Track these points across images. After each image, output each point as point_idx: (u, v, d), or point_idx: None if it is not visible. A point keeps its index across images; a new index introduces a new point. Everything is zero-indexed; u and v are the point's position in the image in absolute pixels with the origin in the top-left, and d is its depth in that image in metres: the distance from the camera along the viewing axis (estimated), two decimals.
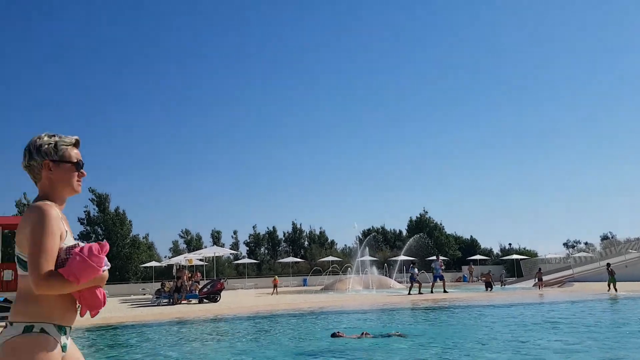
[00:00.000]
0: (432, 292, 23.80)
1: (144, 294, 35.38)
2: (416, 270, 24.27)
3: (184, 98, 70.89)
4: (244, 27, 71.23)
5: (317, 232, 59.01)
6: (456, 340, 9.48)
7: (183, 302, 22.34)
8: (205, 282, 24.05)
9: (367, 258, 36.49)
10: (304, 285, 40.49)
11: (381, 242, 48.44)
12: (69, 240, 2.26)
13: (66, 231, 2.29)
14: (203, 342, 10.96)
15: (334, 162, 74.54)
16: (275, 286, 31.38)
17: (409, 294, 23.34)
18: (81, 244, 2.24)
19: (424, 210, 59.96)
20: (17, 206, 45.30)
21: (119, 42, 67.06)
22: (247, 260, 48.42)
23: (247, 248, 56.50)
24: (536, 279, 29.57)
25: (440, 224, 59.06)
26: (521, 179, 75.22)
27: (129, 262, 47.01)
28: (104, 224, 47.61)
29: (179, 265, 27.45)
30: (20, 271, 2.20)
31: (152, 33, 69.13)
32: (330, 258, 44.16)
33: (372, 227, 59.34)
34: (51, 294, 2.11)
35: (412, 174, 75.81)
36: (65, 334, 2.22)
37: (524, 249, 56.67)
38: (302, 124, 74.09)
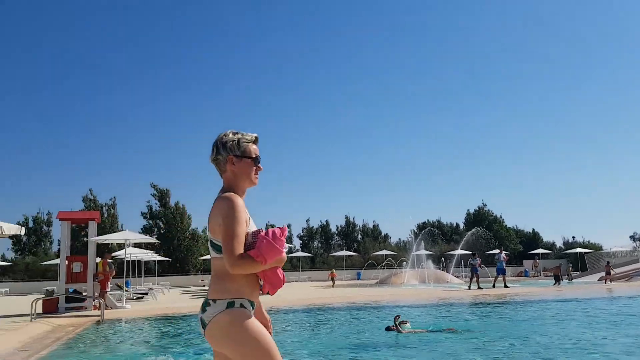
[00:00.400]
0: (494, 286, 23.07)
1: (203, 285, 36.46)
2: (478, 260, 23.43)
3: (241, 97, 72.26)
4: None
5: (371, 226, 58.77)
6: (516, 336, 9.15)
7: None
8: None
9: (423, 252, 35.90)
10: (358, 279, 40.43)
11: (437, 235, 47.54)
12: (252, 226, 2.54)
13: (249, 218, 2.56)
14: None
15: (387, 155, 73.87)
16: (333, 279, 31.64)
17: (469, 288, 22.72)
18: (262, 230, 2.50)
19: (483, 203, 58.40)
20: (83, 201, 47.74)
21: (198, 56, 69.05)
22: (300, 254, 48.86)
23: (301, 242, 57.12)
24: (605, 273, 28.27)
25: (500, 217, 57.41)
26: (584, 170, 71.80)
27: (189, 254, 48.56)
28: (165, 218, 49.35)
29: None
30: (214, 254, 2.49)
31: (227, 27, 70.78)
32: (384, 252, 43.81)
33: (428, 220, 58.47)
34: (243, 273, 2.39)
35: (469, 165, 73.95)
36: (253, 308, 2.50)
37: (588, 242, 54.22)
38: (354, 117, 73.85)
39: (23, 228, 13.82)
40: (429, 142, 74.06)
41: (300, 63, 73.45)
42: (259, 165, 2.66)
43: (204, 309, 2.45)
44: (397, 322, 9.53)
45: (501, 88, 73.98)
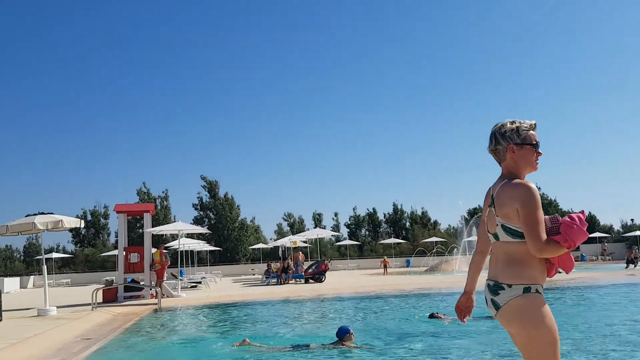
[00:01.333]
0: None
1: (253, 274, 37.08)
2: None
3: (286, 89, 72.61)
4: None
5: (419, 213, 58.00)
6: (573, 323, 8.79)
7: (290, 282, 23.06)
8: (310, 263, 24.61)
9: (475, 238, 34.98)
10: (407, 267, 40.05)
11: None
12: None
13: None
14: (308, 319, 11.17)
15: (434, 139, 72.47)
16: (385, 267, 31.55)
17: None
18: (557, 215, 2.59)
19: (537, 187, 56.52)
20: (137, 194, 49.45)
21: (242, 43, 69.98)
22: (348, 242, 48.83)
23: (348, 230, 57.05)
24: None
25: (555, 200, 55.42)
26: None
27: (239, 244, 49.52)
28: (215, 209, 50.45)
29: (293, 248, 28.46)
30: (508, 238, 2.55)
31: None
32: (434, 239, 43.13)
33: (479, 206, 57.04)
34: (548, 257, 2.50)
35: None
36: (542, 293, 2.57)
37: None
38: (399, 102, 72.77)
39: (82, 221, 14.41)
40: (477, 124, 72.14)
41: (356, 44, 72.94)
42: (539, 150, 2.75)
43: (495, 292, 2.55)
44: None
45: (551, 62, 71.02)
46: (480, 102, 72.64)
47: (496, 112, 72.10)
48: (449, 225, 59.33)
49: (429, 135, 71.94)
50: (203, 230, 23.94)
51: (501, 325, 2.61)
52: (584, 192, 71.89)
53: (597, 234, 48.14)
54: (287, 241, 31.97)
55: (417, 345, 7.46)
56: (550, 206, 53.72)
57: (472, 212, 52.93)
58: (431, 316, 9.66)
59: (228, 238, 49.10)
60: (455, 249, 32.45)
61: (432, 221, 57.60)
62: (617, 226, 56.86)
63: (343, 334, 7.29)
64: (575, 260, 21.94)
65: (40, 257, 16.71)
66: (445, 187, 71.94)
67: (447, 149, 72.88)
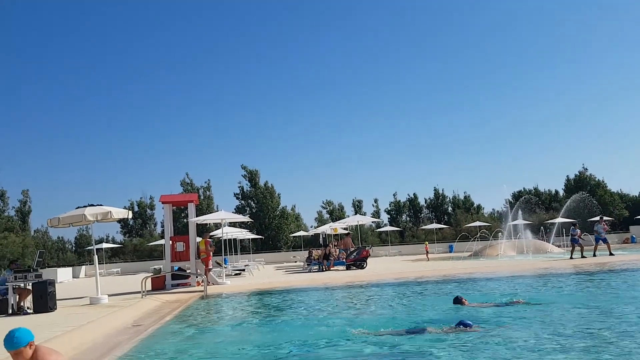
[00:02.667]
0: (594, 255, 21.62)
1: (295, 262, 37.40)
2: (578, 230, 22.06)
3: (325, 77, 72.37)
4: None
5: (461, 197, 56.92)
6: (593, 308, 8.46)
7: (332, 268, 23.10)
8: (351, 249, 24.57)
9: (520, 222, 34.14)
10: (450, 252, 39.47)
11: (535, 204, 44.96)
12: None
13: None
14: (341, 306, 11.14)
15: (475, 121, 70.80)
16: (427, 252, 31.25)
17: (572, 257, 21.50)
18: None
19: (584, 167, 54.31)
20: (181, 185, 50.56)
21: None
22: (389, 228, 48.52)
23: (389, 216, 56.63)
24: None
25: (603, 181, 53.29)
26: None
27: (280, 232, 50.01)
28: (256, 197, 51.06)
29: (341, 235, 28.52)
30: None
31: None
32: (478, 223, 42.26)
33: (524, 188, 55.49)
34: None
35: (567, 128, 69.16)
36: None
37: None
38: (440, 85, 71.30)
39: (130, 212, 14.81)
40: (520, 105, 69.99)
41: (392, 29, 71.92)
42: None
43: None
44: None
45: (598, 42, 67.84)
46: (525, 84, 70.38)
47: (542, 91, 69.77)
48: (492, 209, 58.11)
49: (469, 119, 70.36)
50: (245, 218, 24.20)
51: None
52: (634, 172, 68.93)
53: None
54: (327, 228, 32.02)
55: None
56: (598, 187, 51.73)
57: (517, 196, 51.55)
58: (456, 301, 9.34)
59: (269, 226, 49.65)
60: (500, 233, 31.70)
61: (475, 205, 56.48)
62: None
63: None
64: (624, 243, 21.09)
65: (91, 247, 17.34)
66: (489, 170, 70.40)
67: (490, 131, 71.14)
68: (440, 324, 7.50)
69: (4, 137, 64.18)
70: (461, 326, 7.03)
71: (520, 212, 35.06)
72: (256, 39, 70.94)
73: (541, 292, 12.07)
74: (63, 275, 33.06)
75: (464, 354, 5.84)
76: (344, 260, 23.54)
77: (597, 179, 53.37)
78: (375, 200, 56.85)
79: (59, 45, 65.63)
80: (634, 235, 40.91)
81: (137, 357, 6.73)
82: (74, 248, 55.28)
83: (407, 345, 6.45)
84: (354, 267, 22.89)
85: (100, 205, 13.94)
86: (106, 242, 49.05)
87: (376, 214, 55.35)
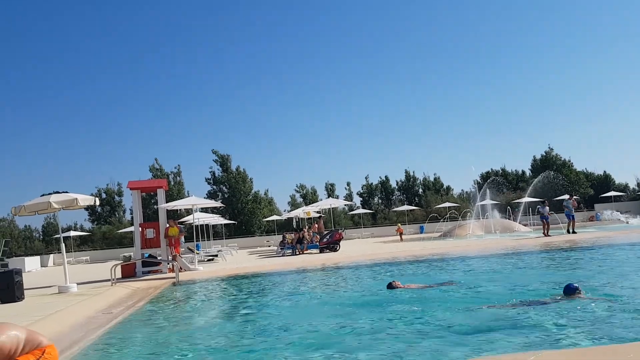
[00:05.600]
0: (569, 232, 22.19)
1: (269, 246, 37.44)
2: (547, 208, 22.56)
3: (296, 58, 71.71)
4: None
5: (432, 179, 57.73)
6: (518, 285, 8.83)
7: (305, 252, 23.22)
8: (325, 233, 24.72)
9: (488, 202, 34.91)
10: (421, 233, 40.13)
11: (502, 184, 45.99)
12: None
13: None
14: (312, 288, 11.25)
15: (442, 104, 71.52)
16: (400, 234, 31.66)
17: (547, 234, 21.86)
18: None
19: (549, 147, 55.71)
20: (150, 171, 49.75)
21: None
22: (361, 211, 48.90)
23: (361, 199, 57.06)
24: None
25: (569, 161, 54.78)
26: None
27: (253, 216, 49.87)
28: (228, 182, 50.68)
29: (314, 218, 28.59)
30: None
31: None
32: (447, 204, 43.02)
33: (492, 169, 56.62)
34: None
35: (532, 109, 70.49)
36: None
37: None
38: (409, 68, 71.61)
39: (97, 199, 14.52)
40: (486, 87, 70.95)
41: (364, 11, 71.52)
42: None
43: None
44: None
45: (562, 24, 69.14)
46: (491, 65, 71.29)
47: (507, 73, 70.84)
48: (462, 190, 59.14)
49: (438, 101, 71.02)
50: (217, 204, 24.06)
51: None
52: (598, 151, 71.03)
53: (612, 193, 47.66)
54: (300, 212, 32.12)
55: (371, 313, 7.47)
56: (564, 167, 53.14)
57: (485, 176, 52.56)
58: (389, 286, 9.29)
59: (242, 211, 49.43)
60: (468, 214, 32.37)
61: (444, 187, 57.38)
62: (632, 184, 56.26)
63: (572, 291, 7.09)
64: (590, 220, 21.75)
65: (58, 235, 16.99)
66: (458, 152, 71.46)
67: (459, 114, 72.05)
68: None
69: None
70: (576, 291, 7.08)
71: (488, 192, 35.83)
72: (224, 20, 69.72)
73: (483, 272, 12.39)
74: (31, 264, 32.33)
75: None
76: (318, 243, 23.69)
77: (562, 159, 54.80)
78: (348, 184, 57.24)
79: (27, 28, 63.15)
80: (598, 213, 42.32)
81: (107, 345, 6.67)
82: (41, 237, 53.99)
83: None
84: (328, 250, 23.06)
85: (66, 192, 13.63)
86: (74, 230, 48.05)
87: (349, 197, 55.68)
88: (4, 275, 11.58)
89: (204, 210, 30.53)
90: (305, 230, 25.01)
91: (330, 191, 55.49)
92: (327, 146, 71.91)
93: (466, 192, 56.97)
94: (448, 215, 34.80)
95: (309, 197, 53.55)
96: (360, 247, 25.51)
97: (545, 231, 22.08)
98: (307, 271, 15.70)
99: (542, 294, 7.90)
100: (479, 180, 50.77)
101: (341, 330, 6.52)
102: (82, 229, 50.78)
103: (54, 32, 64.60)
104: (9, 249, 39.80)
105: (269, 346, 5.91)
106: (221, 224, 39.26)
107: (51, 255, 40.42)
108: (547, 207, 22.71)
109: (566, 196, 25.51)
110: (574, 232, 22.01)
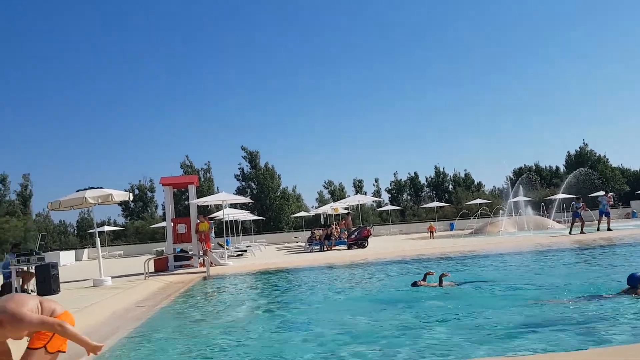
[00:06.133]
0: (598, 229, 21.58)
1: (297, 242, 37.54)
2: (582, 203, 21.87)
3: (325, 54, 71.68)
4: None
5: (462, 175, 56.90)
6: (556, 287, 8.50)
7: (333, 248, 23.19)
8: (353, 229, 24.62)
9: (521, 198, 34.15)
10: (451, 230, 39.61)
11: (535, 181, 44.96)
12: None
13: None
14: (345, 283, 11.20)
15: (475, 98, 70.36)
16: (431, 232, 31.30)
17: (570, 233, 21.43)
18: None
19: (584, 143, 54.30)
20: (181, 167, 50.49)
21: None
22: (389, 207, 48.54)
23: (389, 195, 56.69)
24: None
25: (604, 157, 53.24)
26: None
27: (281, 213, 50.11)
28: (256, 179, 51.04)
29: (342, 215, 28.54)
30: None
31: None
32: (478, 201, 42.31)
33: (525, 165, 55.48)
34: None
35: (567, 104, 68.71)
36: None
37: None
38: (440, 64, 70.68)
39: (130, 194, 14.79)
40: (520, 81, 69.46)
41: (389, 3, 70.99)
42: None
43: None
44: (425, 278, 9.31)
45: (600, 18, 67.05)
46: (525, 60, 69.76)
47: (542, 67, 69.21)
48: (493, 186, 58.16)
49: (470, 96, 69.91)
50: (246, 200, 24.19)
51: None
52: (635, 147, 68.84)
53: None
54: (328, 208, 32.06)
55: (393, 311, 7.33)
56: (599, 163, 51.68)
57: (518, 173, 51.51)
58: (414, 284, 9.14)
59: (270, 207, 49.73)
60: (500, 210, 31.77)
61: (475, 183, 56.51)
62: None
63: (637, 281, 6.90)
64: (626, 217, 20.84)
65: (93, 230, 17.40)
66: (490, 148, 70.27)
67: (490, 108, 70.79)
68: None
69: (4, 121, 63.93)
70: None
71: (521, 188, 35.06)
72: (255, 19, 70.15)
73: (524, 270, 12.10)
74: (66, 258, 33.24)
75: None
76: (346, 239, 23.62)
77: (597, 155, 53.32)
78: (376, 180, 56.93)
79: (60, 26, 64.91)
80: (634, 211, 40.97)
81: (142, 337, 6.77)
82: (76, 231, 55.45)
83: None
84: (356, 247, 22.97)
85: (101, 188, 13.91)
86: (108, 225, 49.18)
87: (377, 194, 55.40)
88: (41, 268, 11.90)
89: (233, 206, 30.75)
90: (334, 226, 24.97)
91: (358, 187, 55.30)
92: (355, 142, 71.73)
93: (498, 188, 56.08)
94: (479, 212, 34.24)
95: (337, 194, 53.48)
96: (388, 244, 25.32)
97: (582, 229, 21.54)
98: (335, 267, 15.66)
99: (589, 290, 7.68)
100: (511, 176, 49.84)
101: (369, 326, 6.47)
102: (115, 224, 51.94)
103: (84, 25, 66.11)
104: (45, 243, 41.05)
105: (299, 340, 5.90)
106: (250, 220, 39.58)
107: (85, 250, 41.47)
108: (582, 204, 22.07)
109: (601, 192, 24.77)
110: (609, 230, 21.40)
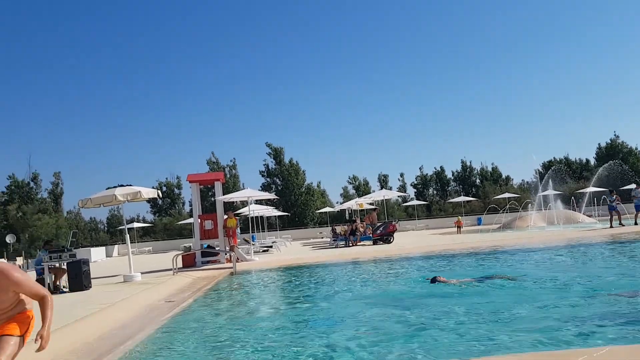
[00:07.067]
0: (636, 223, 20.89)
1: (322, 237, 37.57)
2: (616, 196, 21.21)
3: (349, 51, 71.43)
4: None
5: (489, 169, 56.05)
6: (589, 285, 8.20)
7: (359, 244, 23.12)
8: (378, 224, 24.50)
9: (550, 192, 33.43)
10: (478, 225, 39.06)
11: (565, 174, 43.99)
12: None
13: None
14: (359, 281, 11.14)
15: (501, 92, 69.19)
16: (459, 227, 30.94)
17: (611, 226, 20.74)
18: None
19: (615, 135, 52.88)
20: (207, 164, 51.08)
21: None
22: (415, 202, 48.22)
23: (415, 190, 56.22)
24: None
25: (636, 149, 51.73)
26: None
27: (306, 208, 50.26)
28: (281, 175, 51.27)
29: (366, 211, 28.47)
30: None
31: None
32: (506, 195, 41.61)
33: (554, 158, 54.31)
34: None
35: (597, 96, 66.99)
36: None
37: None
38: (466, 56, 69.71)
39: (159, 191, 15.01)
40: (549, 73, 67.99)
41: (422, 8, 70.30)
42: None
43: None
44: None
45: (629, 5, 64.99)
46: (553, 52, 68.22)
47: (571, 60, 67.57)
48: (522, 180, 57.17)
49: (496, 89, 68.74)
50: (271, 196, 24.33)
51: None
52: None
53: None
54: (353, 204, 31.98)
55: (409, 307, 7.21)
56: (630, 155, 50.30)
57: (547, 166, 50.48)
58: (433, 280, 9.08)
59: (295, 203, 49.91)
60: (529, 205, 31.16)
61: (503, 177, 55.62)
62: None
63: None
64: None
65: (123, 227, 17.76)
66: (518, 141, 69.08)
67: (518, 101, 69.52)
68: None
69: (36, 121, 65.68)
70: None
71: (550, 182, 34.33)
72: (280, 15, 70.29)
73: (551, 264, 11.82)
74: (96, 254, 33.98)
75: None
76: (371, 235, 23.52)
77: (629, 147, 51.87)
78: (401, 175, 56.57)
79: (87, 24, 66.25)
80: None
81: (173, 331, 6.87)
82: (106, 228, 56.71)
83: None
84: (381, 242, 22.85)
85: (130, 185, 14.15)
86: (137, 222, 50.10)
87: (402, 189, 55.02)
88: (73, 265, 12.16)
89: (258, 202, 30.99)
90: (358, 221, 24.90)
91: (383, 182, 55.03)
92: (380, 137, 71.40)
93: (527, 182, 55.09)
94: (507, 206, 33.65)
95: (362, 189, 53.33)
96: (414, 239, 25.11)
97: (619, 221, 20.95)
98: (360, 263, 15.61)
99: (621, 286, 7.48)
100: (540, 169, 48.84)
101: (394, 322, 6.41)
102: (144, 221, 52.93)
103: (112, 21, 67.21)
104: (76, 240, 42.06)
105: (325, 335, 5.89)
106: (275, 216, 39.78)
107: (115, 246, 42.34)
108: (616, 196, 21.42)
109: (633, 185, 24.02)
110: (636, 224, 20.70)
